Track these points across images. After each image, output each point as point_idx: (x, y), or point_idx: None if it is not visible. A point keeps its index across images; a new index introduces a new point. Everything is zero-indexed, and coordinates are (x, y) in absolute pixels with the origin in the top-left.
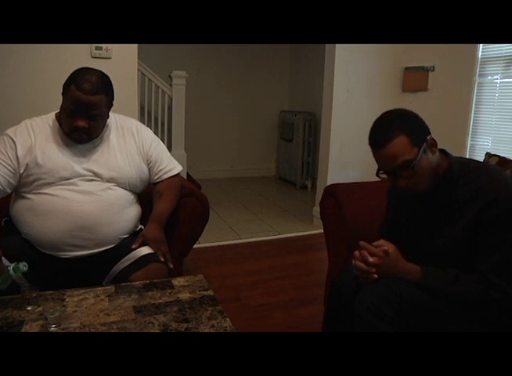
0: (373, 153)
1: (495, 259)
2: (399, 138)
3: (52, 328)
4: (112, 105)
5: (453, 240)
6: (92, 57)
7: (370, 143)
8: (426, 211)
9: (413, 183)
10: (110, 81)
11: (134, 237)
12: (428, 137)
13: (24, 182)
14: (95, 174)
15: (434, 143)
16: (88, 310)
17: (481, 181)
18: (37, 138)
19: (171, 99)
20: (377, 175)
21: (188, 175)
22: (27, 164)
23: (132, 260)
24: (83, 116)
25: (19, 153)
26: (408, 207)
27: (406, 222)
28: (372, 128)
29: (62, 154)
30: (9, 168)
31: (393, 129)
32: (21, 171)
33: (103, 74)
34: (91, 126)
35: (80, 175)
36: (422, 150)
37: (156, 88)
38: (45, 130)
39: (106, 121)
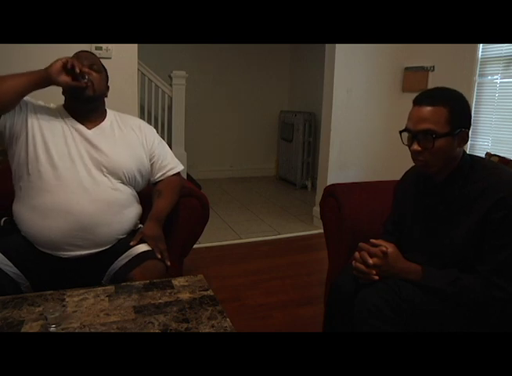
0: (411, 109)
1: (498, 260)
2: (442, 109)
3: (52, 328)
4: (108, 83)
5: (457, 240)
6: None
7: (414, 99)
8: (432, 208)
9: (425, 159)
10: None
11: (132, 236)
12: (465, 129)
13: (22, 163)
14: (93, 159)
15: (466, 138)
16: (88, 310)
17: (490, 181)
18: (40, 115)
19: (171, 99)
20: (400, 133)
21: (188, 175)
22: (28, 124)
23: (130, 257)
24: (85, 63)
25: (29, 111)
26: (414, 204)
27: (411, 220)
28: (427, 89)
29: (63, 135)
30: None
31: (443, 100)
32: (23, 119)
33: None
34: (93, 77)
35: (80, 157)
36: (452, 133)
37: (156, 88)
38: (49, 111)
39: (106, 87)
